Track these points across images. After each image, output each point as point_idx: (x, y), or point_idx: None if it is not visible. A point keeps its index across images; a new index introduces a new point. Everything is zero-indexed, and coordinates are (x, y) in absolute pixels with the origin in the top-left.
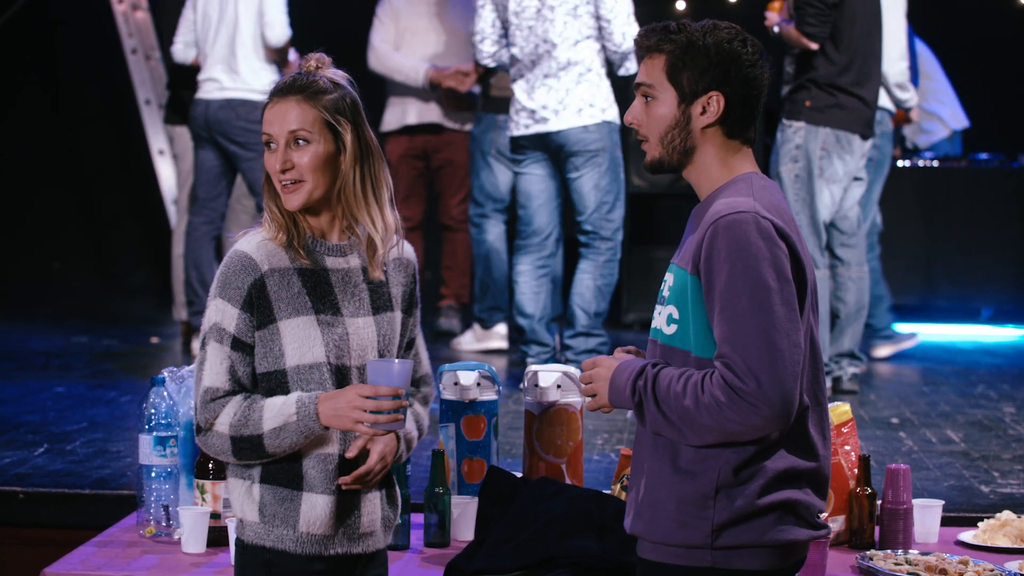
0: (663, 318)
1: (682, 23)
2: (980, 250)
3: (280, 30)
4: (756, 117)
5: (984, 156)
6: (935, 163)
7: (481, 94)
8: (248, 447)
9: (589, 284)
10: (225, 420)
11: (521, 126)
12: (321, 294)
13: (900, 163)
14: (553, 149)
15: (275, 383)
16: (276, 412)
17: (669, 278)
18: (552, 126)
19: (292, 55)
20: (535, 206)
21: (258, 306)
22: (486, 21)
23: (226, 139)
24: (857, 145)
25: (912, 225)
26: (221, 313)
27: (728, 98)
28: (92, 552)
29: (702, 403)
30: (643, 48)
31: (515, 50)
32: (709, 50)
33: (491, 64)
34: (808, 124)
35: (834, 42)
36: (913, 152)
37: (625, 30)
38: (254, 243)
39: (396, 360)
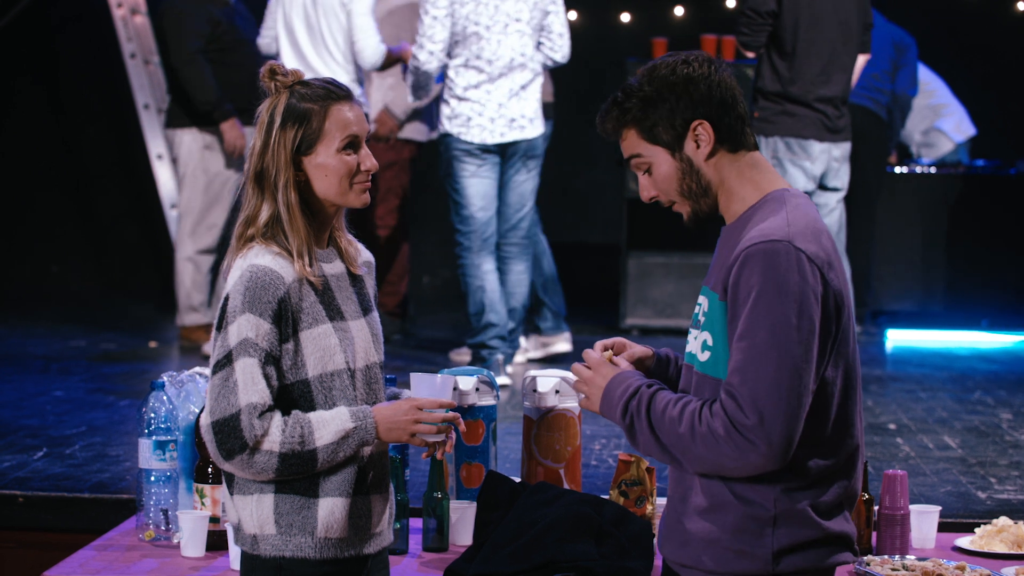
0: (698, 344)
1: (624, 88)
2: (977, 256)
3: (370, 54)
4: (744, 119)
5: (981, 163)
6: (932, 169)
7: None
8: (298, 463)
9: (526, 284)
10: (275, 438)
11: (497, 133)
12: (328, 301)
13: (897, 169)
14: (517, 153)
15: (298, 393)
16: (329, 427)
17: (703, 302)
18: (528, 133)
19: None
20: (493, 209)
21: (285, 319)
22: (447, 30)
23: None
24: (816, 149)
25: (909, 231)
26: (254, 328)
27: (709, 118)
28: (91, 556)
29: (698, 433)
30: (608, 133)
31: (479, 62)
32: (663, 91)
33: (434, 74)
34: (758, 136)
35: (778, 52)
36: (911, 158)
37: (567, 47)
38: (269, 257)
39: (439, 375)
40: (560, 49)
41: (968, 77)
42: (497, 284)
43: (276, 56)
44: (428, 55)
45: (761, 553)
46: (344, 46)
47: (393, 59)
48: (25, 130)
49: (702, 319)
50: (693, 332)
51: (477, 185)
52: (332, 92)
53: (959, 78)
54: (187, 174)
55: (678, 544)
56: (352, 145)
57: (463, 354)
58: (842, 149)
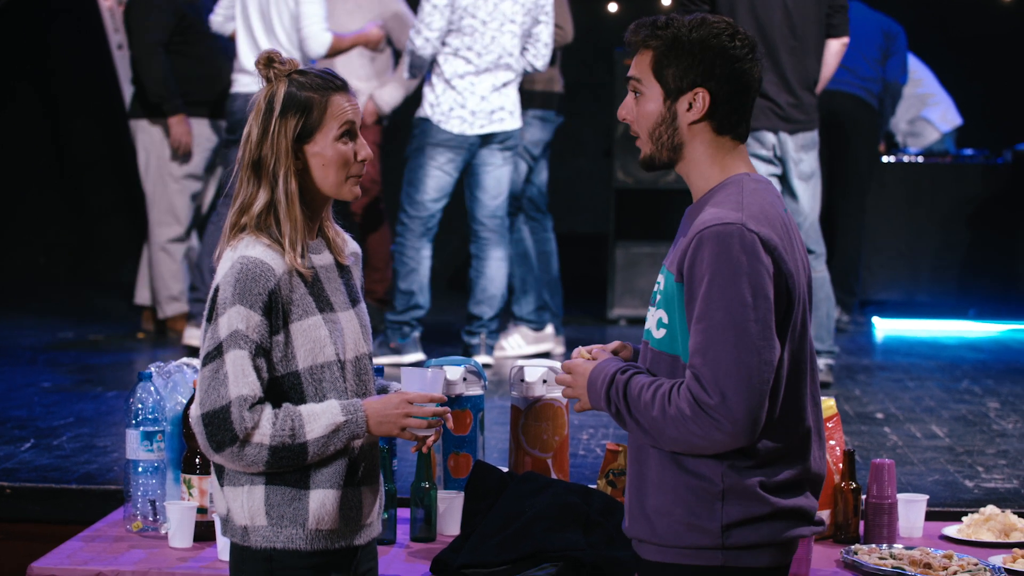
0: (654, 321)
1: (671, 18)
2: (965, 246)
3: (315, 44)
4: (748, 113)
5: (969, 152)
6: (920, 159)
7: None
8: (288, 456)
9: (505, 271)
10: (266, 431)
11: (477, 126)
12: (318, 292)
13: (885, 159)
14: (494, 141)
15: (288, 385)
16: (320, 420)
17: (661, 280)
18: (508, 125)
19: None
20: (444, 202)
21: (275, 311)
22: (444, 19)
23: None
24: (770, 139)
25: (897, 221)
26: (245, 320)
27: (714, 94)
28: (79, 547)
29: (668, 415)
30: (632, 44)
31: (469, 54)
32: (694, 46)
33: (429, 59)
34: None
35: None
36: (897, 148)
37: (548, 57)
38: (260, 248)
39: (429, 369)
40: (543, 58)
41: (956, 66)
42: (428, 270)
43: (229, 37)
44: (424, 41)
45: (711, 527)
46: (293, 34)
47: (345, 46)
48: (15, 122)
49: (658, 297)
50: (651, 309)
51: (439, 178)
52: (330, 82)
53: (947, 67)
54: (149, 164)
55: (634, 518)
56: (348, 133)
57: (512, 347)
58: (799, 140)
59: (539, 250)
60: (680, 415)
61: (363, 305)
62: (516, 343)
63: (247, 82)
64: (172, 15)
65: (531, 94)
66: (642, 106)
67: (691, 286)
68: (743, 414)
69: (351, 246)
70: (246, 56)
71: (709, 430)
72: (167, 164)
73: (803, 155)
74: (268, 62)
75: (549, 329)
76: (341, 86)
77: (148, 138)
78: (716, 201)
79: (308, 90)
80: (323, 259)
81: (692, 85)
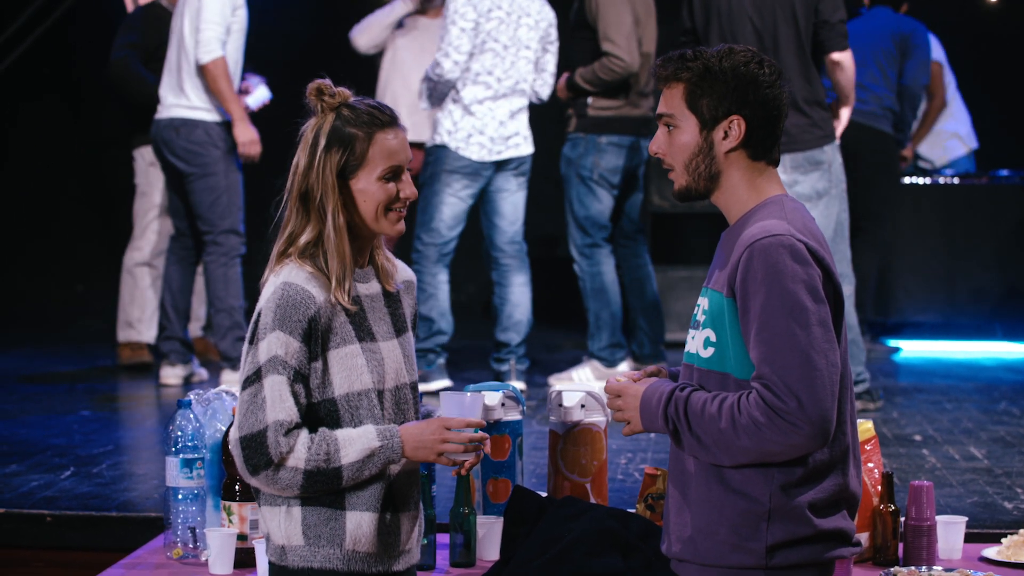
0: (699, 342)
1: (698, 50)
2: (1001, 267)
3: (202, 50)
4: (778, 137)
5: (1004, 173)
6: (955, 180)
7: (576, 114)
8: (323, 480)
9: (529, 296)
10: (301, 455)
11: (495, 152)
12: (359, 321)
13: (920, 180)
14: (509, 167)
15: (324, 412)
16: (355, 445)
17: (703, 302)
18: (523, 151)
19: (253, 80)
20: (459, 229)
21: (314, 338)
22: (471, 43)
23: (174, 157)
24: None
25: (932, 242)
26: (284, 346)
27: (749, 121)
28: (120, 574)
29: (740, 425)
30: (661, 78)
31: (490, 78)
32: (726, 74)
33: (455, 83)
34: None
35: None
36: (933, 170)
37: (551, 88)
38: (303, 276)
39: (468, 394)
40: (548, 87)
41: (984, 87)
42: (447, 294)
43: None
44: (453, 64)
45: (755, 547)
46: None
47: (222, 85)
48: (48, 147)
49: (702, 318)
50: (692, 332)
51: (455, 205)
52: (377, 118)
53: (978, 88)
54: (138, 190)
55: (676, 539)
56: (394, 174)
57: (580, 377)
58: (787, 160)
59: (632, 277)
60: (753, 424)
61: (409, 335)
62: (585, 375)
63: (168, 104)
64: (138, 35)
65: (606, 120)
66: (676, 138)
67: (745, 300)
68: (818, 416)
69: (403, 274)
70: (164, 81)
71: (788, 435)
72: (158, 189)
73: (798, 175)
74: (318, 93)
75: (623, 366)
76: (388, 121)
77: (140, 163)
78: (759, 217)
79: (353, 126)
80: (369, 288)
81: (727, 113)
